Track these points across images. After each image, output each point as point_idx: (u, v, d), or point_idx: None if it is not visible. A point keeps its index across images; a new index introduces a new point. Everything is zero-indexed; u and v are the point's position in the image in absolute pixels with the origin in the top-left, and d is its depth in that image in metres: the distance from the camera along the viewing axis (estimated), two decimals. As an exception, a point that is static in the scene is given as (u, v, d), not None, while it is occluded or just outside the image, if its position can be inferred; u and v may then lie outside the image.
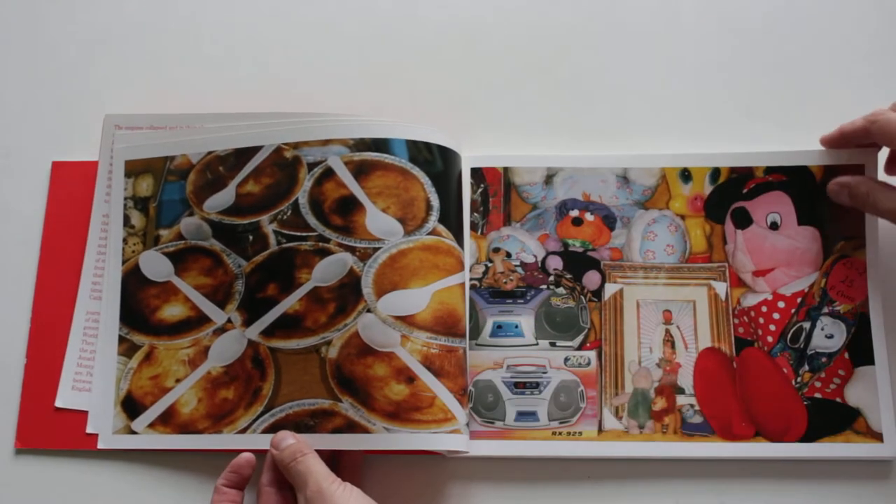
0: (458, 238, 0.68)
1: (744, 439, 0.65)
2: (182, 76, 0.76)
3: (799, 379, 0.66)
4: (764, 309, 0.68)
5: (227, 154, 0.70)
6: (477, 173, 0.71)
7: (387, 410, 0.64)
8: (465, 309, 0.68)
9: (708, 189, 0.70)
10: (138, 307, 0.70)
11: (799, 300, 0.68)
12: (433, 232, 0.67)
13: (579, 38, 0.75)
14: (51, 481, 0.69)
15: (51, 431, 0.69)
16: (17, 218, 0.74)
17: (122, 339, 0.69)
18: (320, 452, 0.63)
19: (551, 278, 0.69)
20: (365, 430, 0.64)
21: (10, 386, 0.70)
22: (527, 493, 0.67)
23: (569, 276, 0.69)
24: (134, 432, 0.68)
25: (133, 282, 0.70)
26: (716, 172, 0.70)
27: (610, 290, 0.69)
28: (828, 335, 0.67)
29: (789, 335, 0.67)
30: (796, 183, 0.69)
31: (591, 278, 0.69)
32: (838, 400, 0.66)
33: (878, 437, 0.65)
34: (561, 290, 0.69)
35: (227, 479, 0.63)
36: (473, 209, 0.70)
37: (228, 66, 0.76)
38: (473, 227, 0.70)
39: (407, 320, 0.65)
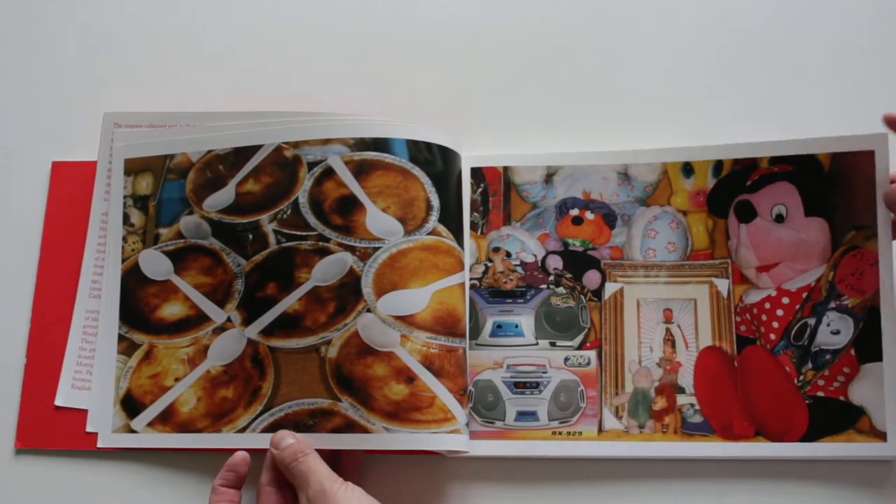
0: (458, 238, 0.68)
1: (744, 439, 0.65)
2: (182, 75, 0.76)
3: (801, 377, 0.65)
4: (767, 306, 0.67)
5: (226, 153, 0.70)
6: (477, 173, 0.71)
7: (386, 410, 0.64)
8: (465, 309, 0.68)
9: (711, 183, 0.68)
10: (138, 306, 0.70)
11: (804, 295, 0.66)
12: (433, 232, 0.67)
13: (579, 38, 0.75)
14: (51, 481, 0.69)
15: (50, 430, 0.69)
16: (17, 218, 0.74)
17: (121, 338, 0.69)
18: (320, 452, 0.62)
19: (551, 278, 0.69)
20: (364, 430, 0.64)
21: (10, 386, 0.70)
22: (527, 493, 0.67)
23: (569, 275, 0.69)
24: (133, 431, 0.68)
25: (132, 280, 0.70)
26: (719, 165, 0.68)
27: (610, 289, 0.68)
28: (833, 331, 0.65)
29: (793, 332, 0.66)
30: (803, 172, 0.67)
31: (591, 277, 0.69)
32: (841, 398, 0.64)
33: (881, 436, 0.63)
34: (561, 289, 0.69)
35: (225, 478, 0.63)
36: (473, 209, 0.70)
37: (228, 65, 0.76)
38: (473, 226, 0.70)
39: (407, 320, 0.65)
